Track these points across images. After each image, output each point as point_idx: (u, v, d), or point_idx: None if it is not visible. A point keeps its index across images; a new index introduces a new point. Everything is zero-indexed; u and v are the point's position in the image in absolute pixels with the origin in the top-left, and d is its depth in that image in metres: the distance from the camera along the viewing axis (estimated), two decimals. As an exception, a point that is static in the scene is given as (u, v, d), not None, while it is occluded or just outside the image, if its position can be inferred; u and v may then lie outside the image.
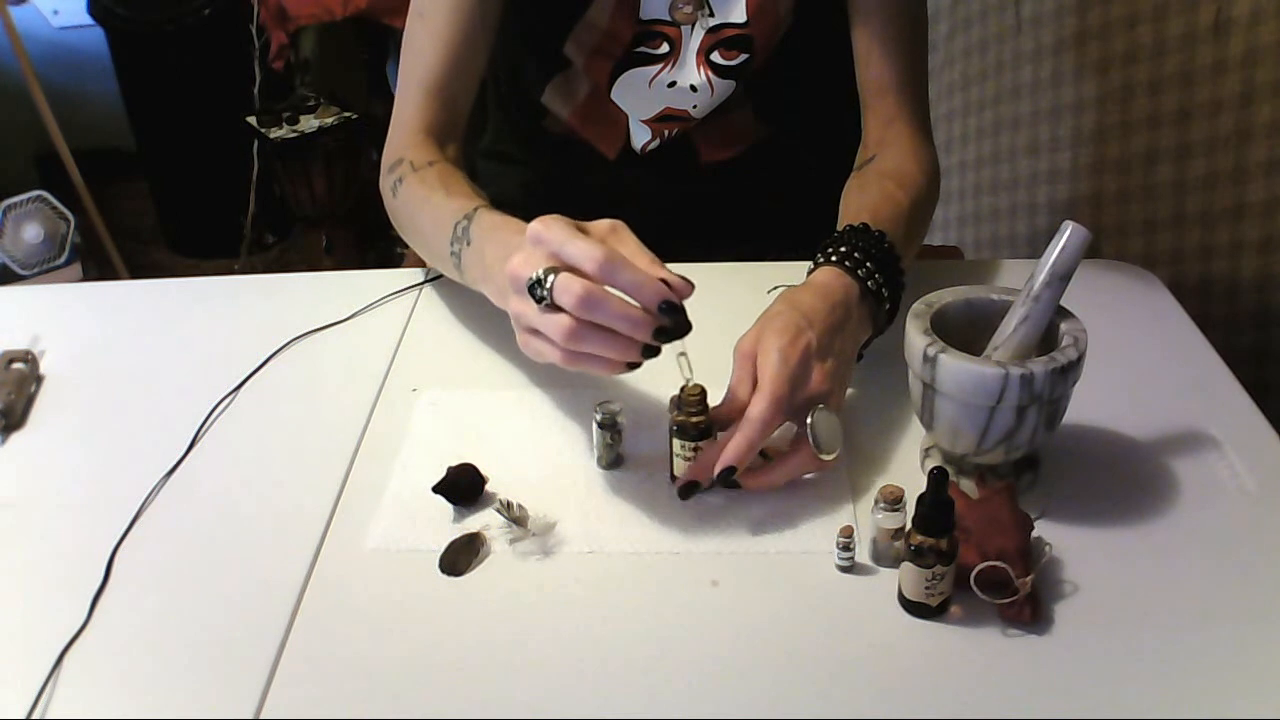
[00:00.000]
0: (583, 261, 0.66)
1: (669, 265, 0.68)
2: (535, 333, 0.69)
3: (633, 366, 0.68)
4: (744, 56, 1.00)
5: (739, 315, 0.94)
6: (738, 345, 0.76)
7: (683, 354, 0.72)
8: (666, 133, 1.06)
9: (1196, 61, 1.28)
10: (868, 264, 0.80)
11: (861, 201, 0.89)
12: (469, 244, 0.81)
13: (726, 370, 0.84)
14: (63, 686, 0.64)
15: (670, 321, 0.66)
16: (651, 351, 0.68)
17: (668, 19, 0.98)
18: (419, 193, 0.90)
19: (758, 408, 0.71)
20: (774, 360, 0.72)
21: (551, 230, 0.68)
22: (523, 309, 0.69)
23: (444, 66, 0.96)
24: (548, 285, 0.66)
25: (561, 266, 0.67)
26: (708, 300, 0.97)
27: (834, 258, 0.80)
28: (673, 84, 1.01)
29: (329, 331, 0.96)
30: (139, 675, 0.65)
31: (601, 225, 0.69)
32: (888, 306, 0.82)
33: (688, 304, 0.67)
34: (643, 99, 1.03)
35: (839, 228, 0.86)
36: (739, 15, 0.97)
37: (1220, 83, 1.26)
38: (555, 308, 0.66)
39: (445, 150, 0.95)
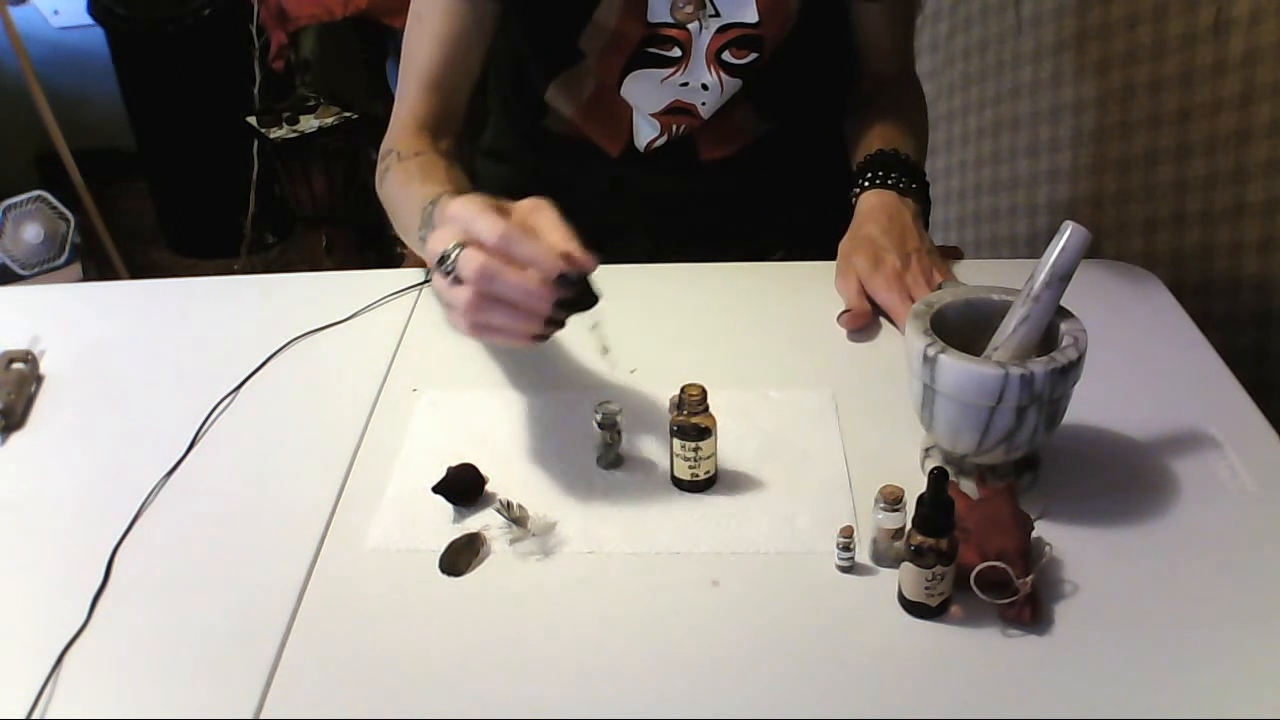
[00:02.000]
0: (485, 236, 0.68)
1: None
2: (451, 306, 0.71)
3: (540, 339, 0.70)
4: (754, 55, 1.00)
5: (739, 315, 0.95)
6: (837, 280, 0.95)
7: (595, 326, 0.72)
8: (675, 127, 1.06)
9: (1196, 61, 1.28)
10: (894, 174, 0.99)
11: (871, 131, 1.06)
12: (433, 229, 0.82)
13: (726, 369, 0.85)
14: (63, 686, 0.64)
15: (569, 292, 0.68)
16: (555, 324, 0.70)
17: (672, 21, 0.98)
18: (400, 180, 0.93)
19: (888, 295, 0.90)
20: (867, 269, 0.92)
21: (465, 208, 0.70)
22: (439, 284, 0.71)
23: (439, 62, 0.98)
24: (453, 259, 0.68)
25: (470, 242, 0.68)
26: (709, 300, 0.98)
27: (867, 183, 1.00)
28: (685, 84, 1.02)
29: (329, 331, 0.96)
30: (139, 675, 0.65)
31: (524, 204, 0.71)
32: (914, 186, 1.00)
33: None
34: (653, 94, 1.03)
35: (858, 158, 1.04)
36: (750, 16, 0.98)
37: (1220, 83, 1.26)
38: (460, 281, 0.68)
39: (438, 143, 0.97)
